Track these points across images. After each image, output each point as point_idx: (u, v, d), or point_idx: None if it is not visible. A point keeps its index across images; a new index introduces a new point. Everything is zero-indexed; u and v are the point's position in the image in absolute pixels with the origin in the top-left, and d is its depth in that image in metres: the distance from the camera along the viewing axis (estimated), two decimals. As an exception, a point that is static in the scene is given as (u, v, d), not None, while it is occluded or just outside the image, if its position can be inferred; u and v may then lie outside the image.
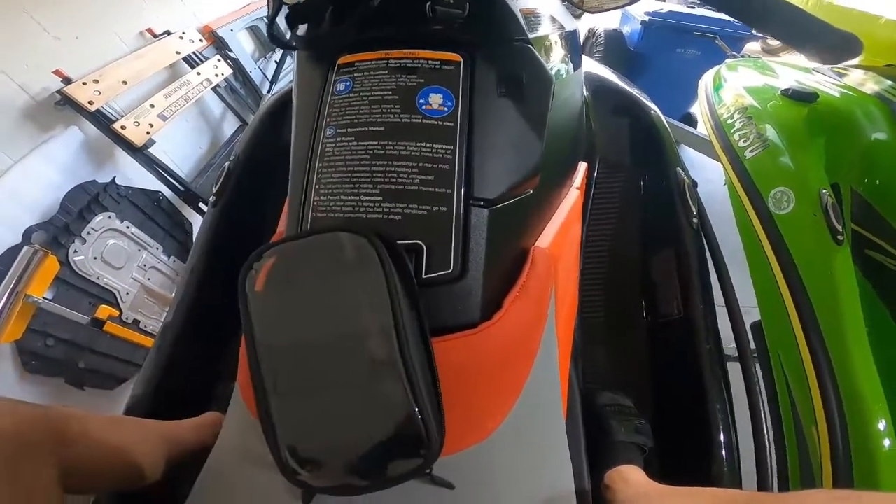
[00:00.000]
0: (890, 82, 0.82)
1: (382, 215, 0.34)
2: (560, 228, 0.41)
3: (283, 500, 0.31)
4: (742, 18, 0.54)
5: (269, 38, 0.44)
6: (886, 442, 0.60)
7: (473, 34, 0.38)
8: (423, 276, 0.33)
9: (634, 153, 0.72)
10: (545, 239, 0.39)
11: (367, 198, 0.34)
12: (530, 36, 0.41)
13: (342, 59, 0.39)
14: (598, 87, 0.76)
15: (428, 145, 0.34)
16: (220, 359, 0.55)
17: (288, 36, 0.44)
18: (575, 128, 0.54)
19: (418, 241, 0.33)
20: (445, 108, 0.35)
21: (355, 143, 0.36)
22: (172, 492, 0.35)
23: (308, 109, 0.39)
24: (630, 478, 0.42)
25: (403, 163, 0.35)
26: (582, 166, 0.53)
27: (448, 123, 0.35)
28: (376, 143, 0.35)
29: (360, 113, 0.36)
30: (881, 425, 0.60)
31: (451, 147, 0.34)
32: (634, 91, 0.77)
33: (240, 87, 2.21)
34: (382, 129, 0.35)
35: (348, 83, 0.38)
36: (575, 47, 0.54)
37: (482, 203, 0.35)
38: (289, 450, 0.29)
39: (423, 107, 0.35)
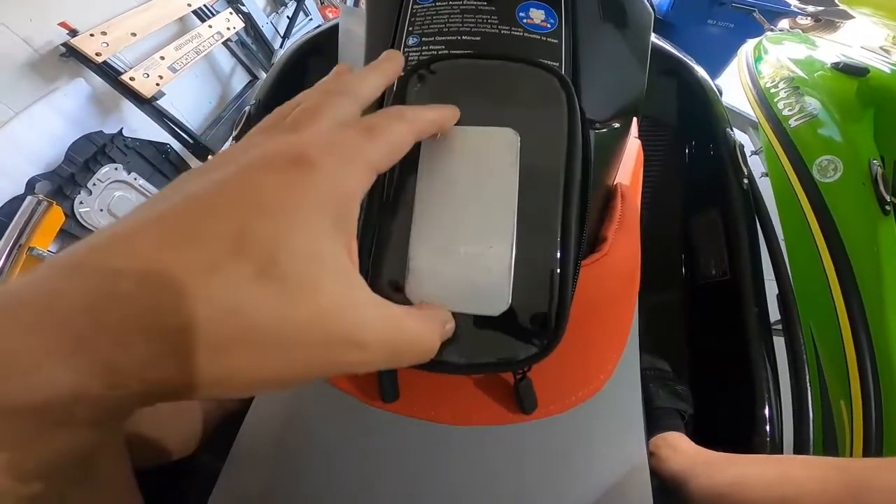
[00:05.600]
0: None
1: None
2: (632, 172, 0.39)
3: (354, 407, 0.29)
4: None
5: None
6: (918, 420, 0.59)
7: None
8: None
9: (680, 114, 0.69)
10: (624, 178, 0.37)
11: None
12: None
13: None
14: None
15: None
16: None
17: None
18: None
19: None
20: (549, 25, 0.32)
21: (445, 52, 0.32)
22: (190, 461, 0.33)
23: (383, 20, 0.35)
24: (678, 445, 0.40)
25: None
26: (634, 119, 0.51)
27: (553, 40, 0.32)
28: (473, 52, 0.32)
29: (450, 21, 0.33)
30: (915, 403, 0.59)
31: (557, 64, 0.31)
32: (680, 53, 0.74)
33: (251, 41, 2.15)
34: (478, 38, 0.32)
35: None
36: None
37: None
38: (391, 283, 0.24)
39: (524, 20, 0.32)
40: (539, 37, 0.31)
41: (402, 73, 0.27)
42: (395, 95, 0.28)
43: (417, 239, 0.24)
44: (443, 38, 0.32)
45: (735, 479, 0.31)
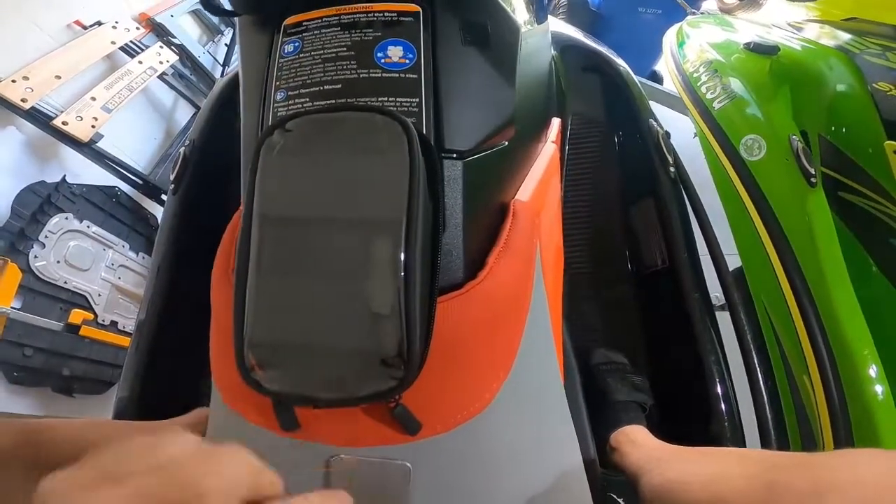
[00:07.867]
0: (850, 36, 0.83)
1: None
2: (539, 182, 0.40)
3: None
4: None
5: (204, 5, 0.39)
6: (878, 389, 0.60)
7: None
8: None
9: (607, 108, 0.71)
10: (524, 193, 0.38)
11: None
12: None
13: (288, 20, 0.36)
14: (565, 46, 0.75)
15: (391, 99, 0.32)
16: (204, 351, 0.52)
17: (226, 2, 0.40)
18: (545, 82, 0.52)
19: None
20: (407, 61, 0.33)
21: (310, 104, 0.33)
22: None
23: (255, 77, 0.36)
24: (637, 439, 0.40)
25: None
26: (556, 122, 0.52)
27: (411, 76, 0.32)
28: (332, 101, 0.33)
29: (312, 73, 0.33)
30: (872, 371, 0.61)
31: (416, 99, 0.32)
32: (602, 48, 0.76)
33: (189, 73, 2.09)
34: (339, 86, 0.33)
35: (297, 44, 0.35)
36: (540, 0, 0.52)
37: (455, 155, 0.33)
38: (250, 341, 0.27)
39: (382, 60, 0.33)
40: (398, 74, 0.32)
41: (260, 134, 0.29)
42: (254, 156, 0.29)
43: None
44: (307, 90, 0.33)
45: (677, 477, 0.31)
